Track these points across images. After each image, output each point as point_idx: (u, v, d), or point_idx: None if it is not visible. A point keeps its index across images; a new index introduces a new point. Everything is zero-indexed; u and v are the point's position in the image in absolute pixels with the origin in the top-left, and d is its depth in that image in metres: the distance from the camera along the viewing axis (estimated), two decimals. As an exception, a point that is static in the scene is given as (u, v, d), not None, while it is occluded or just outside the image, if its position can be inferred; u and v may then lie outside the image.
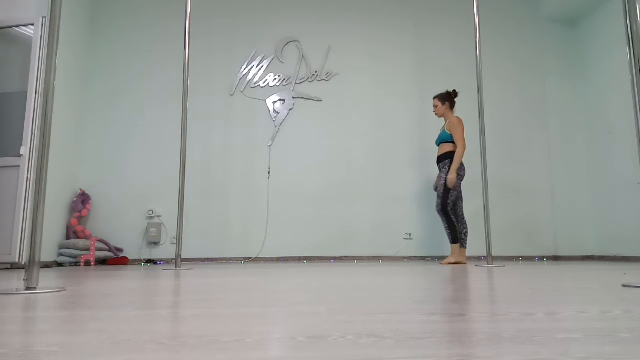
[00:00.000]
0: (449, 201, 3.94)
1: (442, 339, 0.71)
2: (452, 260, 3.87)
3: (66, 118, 4.56)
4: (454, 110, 4.20)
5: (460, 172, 4.00)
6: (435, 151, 4.98)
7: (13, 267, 3.63)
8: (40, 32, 3.87)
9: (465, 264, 3.88)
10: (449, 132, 4.04)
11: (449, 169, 3.97)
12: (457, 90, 4.24)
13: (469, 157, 4.82)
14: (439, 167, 4.10)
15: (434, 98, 4.21)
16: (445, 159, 4.03)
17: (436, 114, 4.22)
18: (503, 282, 1.87)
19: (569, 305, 1.09)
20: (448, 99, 4.16)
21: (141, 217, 4.79)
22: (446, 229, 3.96)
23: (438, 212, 3.98)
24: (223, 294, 1.48)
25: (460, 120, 4.04)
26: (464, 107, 4.99)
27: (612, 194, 4.59)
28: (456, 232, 3.91)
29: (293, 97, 5.06)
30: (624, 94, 4.39)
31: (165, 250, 4.73)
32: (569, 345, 0.65)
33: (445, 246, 4.77)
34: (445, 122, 4.13)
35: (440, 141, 4.14)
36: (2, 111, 3.91)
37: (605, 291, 1.44)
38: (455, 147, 4.01)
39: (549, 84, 5.14)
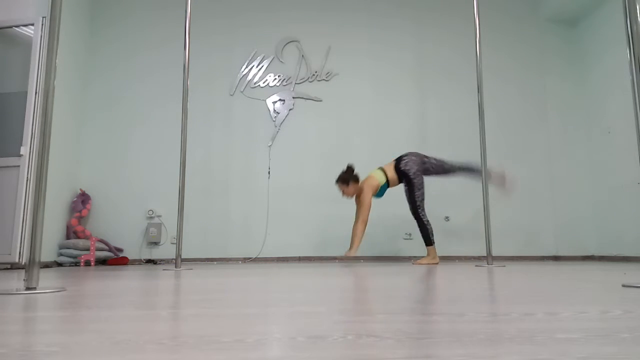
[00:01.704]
0: (418, 203, 3.91)
1: (442, 339, 0.71)
2: (425, 262, 3.89)
3: (66, 118, 4.56)
4: (359, 180, 4.03)
5: (411, 168, 3.93)
6: (435, 152, 4.99)
7: (13, 267, 3.62)
8: (40, 32, 3.87)
9: (437, 263, 3.90)
10: (378, 191, 3.98)
11: (413, 184, 3.91)
12: (350, 164, 4.06)
13: (469, 155, 4.82)
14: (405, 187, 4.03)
15: (336, 184, 4.04)
16: (402, 179, 3.98)
17: (348, 197, 4.07)
18: (503, 282, 1.87)
19: (569, 305, 1.09)
20: (349, 177, 3.98)
21: (141, 217, 4.79)
22: (421, 232, 3.94)
23: (413, 215, 3.95)
24: (223, 294, 1.48)
25: (367, 186, 3.90)
26: (464, 106, 4.99)
27: (612, 194, 4.59)
28: (428, 233, 3.91)
29: (293, 97, 5.06)
30: (624, 93, 4.39)
31: (165, 250, 4.73)
32: (569, 346, 0.65)
33: (446, 246, 4.78)
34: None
35: (382, 194, 4.06)
36: (2, 111, 3.91)
37: (605, 291, 1.44)
38: (398, 178, 3.99)
39: (549, 84, 5.14)
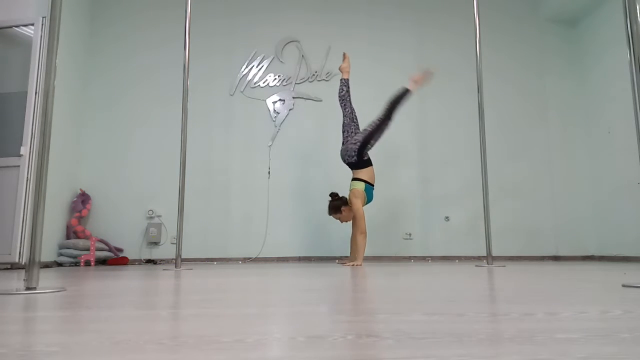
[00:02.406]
0: (379, 122, 3.96)
1: (442, 339, 0.71)
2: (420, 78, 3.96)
3: (66, 118, 4.56)
4: (348, 200, 3.99)
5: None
6: (435, 152, 4.99)
7: (13, 267, 3.62)
8: (40, 32, 3.87)
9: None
10: (367, 196, 3.94)
11: (372, 131, 3.94)
12: (332, 192, 4.07)
13: (469, 156, 4.82)
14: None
15: (331, 215, 4.04)
16: (365, 155, 3.97)
17: (348, 221, 4.06)
18: (503, 282, 1.87)
19: (569, 305, 1.09)
20: (339, 203, 3.97)
21: (141, 217, 4.79)
22: (400, 99, 3.96)
23: (388, 111, 3.98)
24: (223, 294, 1.48)
25: (353, 197, 3.86)
26: (464, 106, 4.99)
27: (612, 194, 4.59)
28: (400, 95, 3.97)
29: (293, 97, 5.06)
30: (624, 93, 4.39)
31: (165, 250, 4.72)
32: (569, 346, 0.65)
33: (446, 246, 4.78)
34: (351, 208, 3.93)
35: (371, 197, 4.02)
36: (2, 111, 3.91)
37: (606, 291, 1.44)
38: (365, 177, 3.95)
39: (549, 84, 5.14)
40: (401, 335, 0.74)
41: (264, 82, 5.08)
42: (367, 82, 5.11)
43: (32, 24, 3.93)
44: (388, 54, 5.17)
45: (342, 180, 4.94)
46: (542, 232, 4.87)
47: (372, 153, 4.99)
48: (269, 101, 5.04)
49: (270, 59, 5.13)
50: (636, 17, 1.73)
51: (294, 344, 0.69)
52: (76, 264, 4.26)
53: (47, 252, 4.12)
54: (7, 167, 3.71)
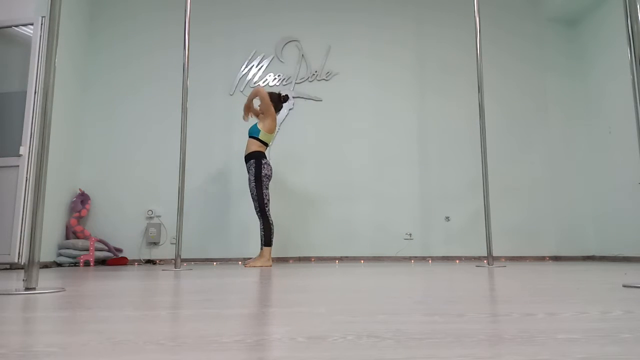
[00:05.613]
0: (265, 201, 3.88)
1: (442, 340, 0.70)
2: (259, 264, 3.76)
3: (66, 118, 4.56)
4: (278, 113, 4.13)
5: (267, 172, 3.92)
6: (435, 152, 4.99)
7: (12, 267, 3.62)
8: (39, 32, 3.87)
9: (271, 266, 3.78)
10: (259, 128, 3.96)
11: (255, 168, 3.87)
12: (288, 95, 4.21)
13: (470, 155, 4.82)
14: (247, 167, 3.99)
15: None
16: (251, 159, 3.93)
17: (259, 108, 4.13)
18: (503, 282, 1.87)
19: (569, 306, 1.09)
20: (274, 99, 4.04)
21: (141, 217, 4.78)
22: (261, 230, 3.85)
23: (257, 213, 3.89)
24: (223, 294, 1.48)
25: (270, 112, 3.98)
26: (465, 105, 4.99)
27: (613, 194, 4.59)
28: (270, 234, 3.85)
29: (293, 97, 5.06)
30: (625, 92, 4.39)
31: (165, 251, 4.72)
32: (569, 346, 0.65)
33: (447, 246, 4.78)
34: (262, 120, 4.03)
35: (250, 134, 4.03)
36: (1, 111, 3.91)
37: (606, 291, 1.44)
38: (262, 145, 3.96)
39: (549, 82, 5.13)
40: (401, 335, 0.74)
41: (263, 82, 5.08)
42: (368, 80, 5.12)
43: (32, 24, 3.93)
44: (388, 51, 5.17)
45: (343, 179, 4.95)
46: (543, 232, 4.87)
47: (373, 153, 4.99)
48: (269, 101, 5.03)
49: (270, 58, 5.13)
50: (637, 16, 1.73)
51: (294, 344, 0.69)
52: (75, 264, 4.25)
53: (47, 253, 4.12)
54: (6, 167, 3.71)
